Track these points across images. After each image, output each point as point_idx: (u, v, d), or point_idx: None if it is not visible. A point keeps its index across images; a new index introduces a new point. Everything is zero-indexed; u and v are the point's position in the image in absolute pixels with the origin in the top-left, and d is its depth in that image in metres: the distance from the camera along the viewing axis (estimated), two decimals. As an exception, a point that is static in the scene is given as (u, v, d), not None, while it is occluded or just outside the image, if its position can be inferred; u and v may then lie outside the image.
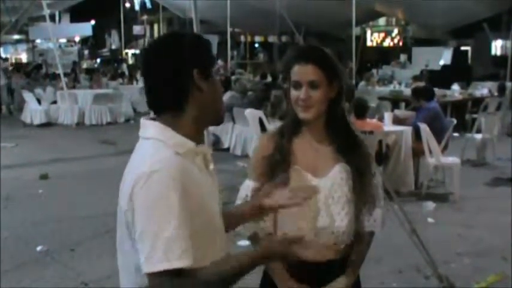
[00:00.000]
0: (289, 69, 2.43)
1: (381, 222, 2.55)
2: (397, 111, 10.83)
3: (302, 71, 2.38)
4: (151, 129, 1.95)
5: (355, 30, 20.62)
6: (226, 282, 1.89)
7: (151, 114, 2.04)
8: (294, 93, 2.42)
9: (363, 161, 2.47)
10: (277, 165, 2.43)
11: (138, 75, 26.49)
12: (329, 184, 2.44)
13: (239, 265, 1.90)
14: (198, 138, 1.97)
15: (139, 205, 1.78)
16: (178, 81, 1.91)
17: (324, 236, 2.44)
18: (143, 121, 2.01)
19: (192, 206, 1.82)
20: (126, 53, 49.56)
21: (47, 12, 19.17)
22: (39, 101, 18.33)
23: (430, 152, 8.55)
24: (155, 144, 1.89)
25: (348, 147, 2.46)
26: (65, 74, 20.46)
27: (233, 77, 19.27)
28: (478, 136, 11.18)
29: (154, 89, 1.96)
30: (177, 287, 1.77)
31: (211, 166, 2.04)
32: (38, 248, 6.40)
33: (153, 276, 1.75)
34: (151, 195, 1.76)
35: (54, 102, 18.47)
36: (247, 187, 2.50)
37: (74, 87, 20.30)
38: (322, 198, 2.43)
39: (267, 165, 2.45)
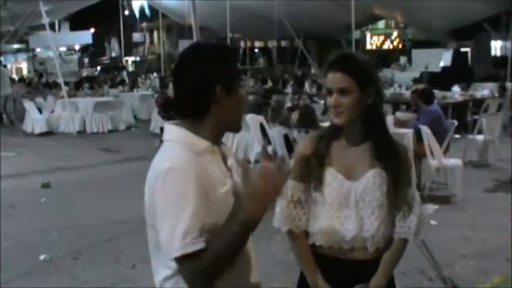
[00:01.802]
0: (325, 77, 2.53)
1: (415, 231, 2.57)
2: (398, 114, 10.81)
3: (333, 79, 2.47)
4: (170, 132, 2.15)
5: (355, 34, 20.65)
6: (227, 254, 1.99)
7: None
8: (328, 99, 2.51)
9: (399, 168, 2.52)
10: (313, 166, 2.54)
11: (140, 82, 26.55)
12: (361, 188, 2.50)
13: (233, 235, 1.97)
14: (215, 141, 2.16)
15: (160, 199, 2.00)
16: (200, 96, 2.10)
17: (352, 238, 2.51)
18: (166, 125, 2.19)
19: (206, 195, 2.01)
20: (126, 61, 49.67)
21: (46, 20, 19.17)
22: (40, 110, 18.35)
23: (432, 154, 8.54)
24: (171, 145, 2.10)
25: (385, 152, 2.51)
26: (66, 83, 20.49)
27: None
28: (480, 137, 11.18)
29: (179, 98, 2.16)
30: (194, 268, 1.96)
31: (230, 161, 2.22)
32: (41, 257, 6.39)
33: (176, 261, 1.98)
34: (169, 189, 1.97)
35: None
36: (286, 185, 2.56)
37: (75, 95, 20.31)
38: (353, 201, 2.50)
39: (305, 166, 2.56)
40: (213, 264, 1.96)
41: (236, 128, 2.23)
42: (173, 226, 1.95)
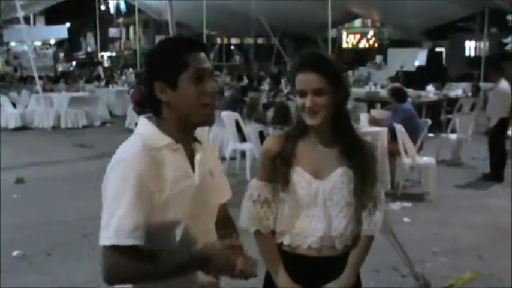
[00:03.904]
0: (294, 78, 2.50)
1: (381, 227, 2.59)
2: (373, 112, 10.90)
3: (306, 80, 2.44)
4: (139, 125, 2.17)
5: (331, 32, 20.72)
6: (160, 274, 2.01)
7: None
8: (299, 100, 2.48)
9: (365, 165, 2.53)
10: (279, 166, 2.52)
11: (115, 78, 26.40)
12: (329, 187, 2.50)
13: (176, 264, 2.03)
14: (181, 138, 2.12)
15: (105, 189, 2.03)
16: (147, 93, 2.14)
17: (321, 238, 2.51)
18: (140, 118, 2.22)
19: (148, 193, 2.00)
20: (102, 56, 49.31)
21: (21, 14, 18.99)
22: (14, 105, 18.17)
23: (406, 152, 8.62)
24: (134, 137, 2.11)
25: (351, 150, 2.52)
26: (41, 78, 20.29)
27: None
28: (453, 136, 11.30)
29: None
30: (122, 261, 1.96)
31: (198, 157, 2.17)
32: (14, 253, 6.34)
33: (104, 249, 1.98)
34: (112, 181, 2.01)
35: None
36: (253, 186, 2.59)
37: (51, 90, 20.11)
38: (321, 201, 2.51)
39: (271, 166, 2.54)
40: (138, 272, 1.99)
41: (201, 121, 2.15)
42: (108, 217, 1.97)
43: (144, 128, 2.13)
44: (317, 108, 2.43)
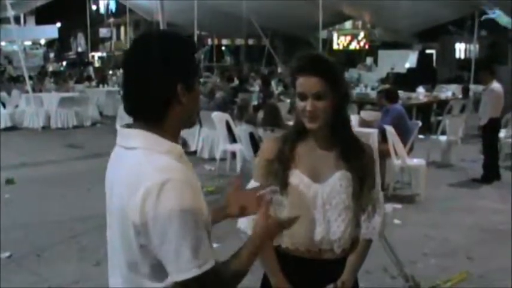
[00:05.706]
0: (294, 80, 2.47)
1: (379, 231, 2.58)
2: (363, 113, 10.92)
3: (307, 83, 2.41)
4: (136, 138, 1.89)
5: (322, 34, 20.75)
6: (240, 275, 1.96)
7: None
8: (300, 104, 2.45)
9: (364, 168, 2.51)
10: (277, 169, 2.49)
11: (109, 78, 26.26)
12: (327, 190, 2.48)
13: (247, 256, 2.02)
14: (177, 141, 1.96)
15: (157, 217, 1.75)
16: (161, 94, 1.87)
17: (319, 241, 2.50)
18: (124, 130, 1.95)
19: (200, 207, 1.84)
20: (93, 56, 49.18)
21: (11, 14, 18.89)
22: (3, 105, 18.08)
23: (396, 153, 8.64)
24: (146, 153, 1.85)
25: (350, 153, 2.49)
26: (31, 78, 20.20)
27: (200, 80, 19.24)
28: (443, 138, 11.34)
29: (136, 97, 1.91)
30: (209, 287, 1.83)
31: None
32: (3, 255, 6.31)
33: (185, 283, 1.78)
34: (168, 205, 1.74)
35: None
36: (251, 187, 2.55)
37: (41, 90, 20.03)
38: (320, 204, 2.49)
39: (268, 168, 2.52)
40: (231, 282, 1.92)
41: (192, 124, 2.04)
42: (178, 246, 1.75)
43: (148, 140, 1.87)
44: (317, 113, 2.41)
